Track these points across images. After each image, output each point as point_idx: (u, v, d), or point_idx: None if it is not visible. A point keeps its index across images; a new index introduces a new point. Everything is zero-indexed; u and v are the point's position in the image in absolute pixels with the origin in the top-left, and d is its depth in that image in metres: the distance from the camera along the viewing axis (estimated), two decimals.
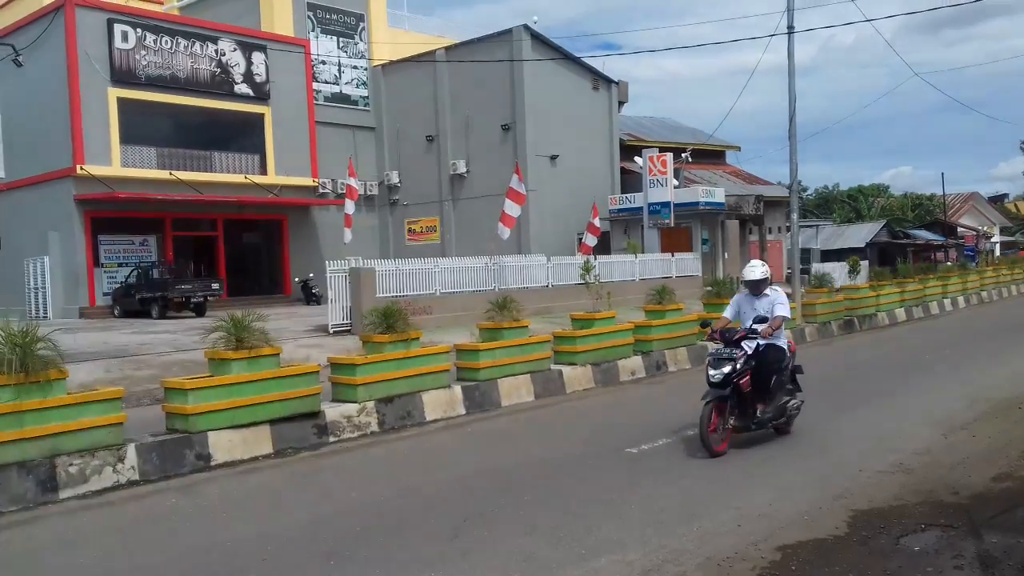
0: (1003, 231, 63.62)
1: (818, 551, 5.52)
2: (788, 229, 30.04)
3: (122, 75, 28.01)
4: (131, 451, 7.87)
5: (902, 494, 6.70)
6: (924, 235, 50.02)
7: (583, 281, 15.42)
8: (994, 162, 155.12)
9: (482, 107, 33.28)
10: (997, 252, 49.99)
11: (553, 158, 33.31)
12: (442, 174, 34.80)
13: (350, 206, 23.66)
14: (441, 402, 10.75)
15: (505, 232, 23.07)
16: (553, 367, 12.66)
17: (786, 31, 20.79)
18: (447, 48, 35.21)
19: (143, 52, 28.54)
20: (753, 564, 5.32)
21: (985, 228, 58.64)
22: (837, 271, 26.49)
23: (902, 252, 43.75)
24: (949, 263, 36.42)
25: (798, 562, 5.32)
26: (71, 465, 7.44)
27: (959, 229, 54.04)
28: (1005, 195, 79.25)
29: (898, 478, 7.18)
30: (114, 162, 27.76)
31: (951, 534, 5.76)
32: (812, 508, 6.41)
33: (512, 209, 22.83)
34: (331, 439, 9.41)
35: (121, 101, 28.01)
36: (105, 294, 27.62)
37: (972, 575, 5.05)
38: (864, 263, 27.08)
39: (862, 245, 43.47)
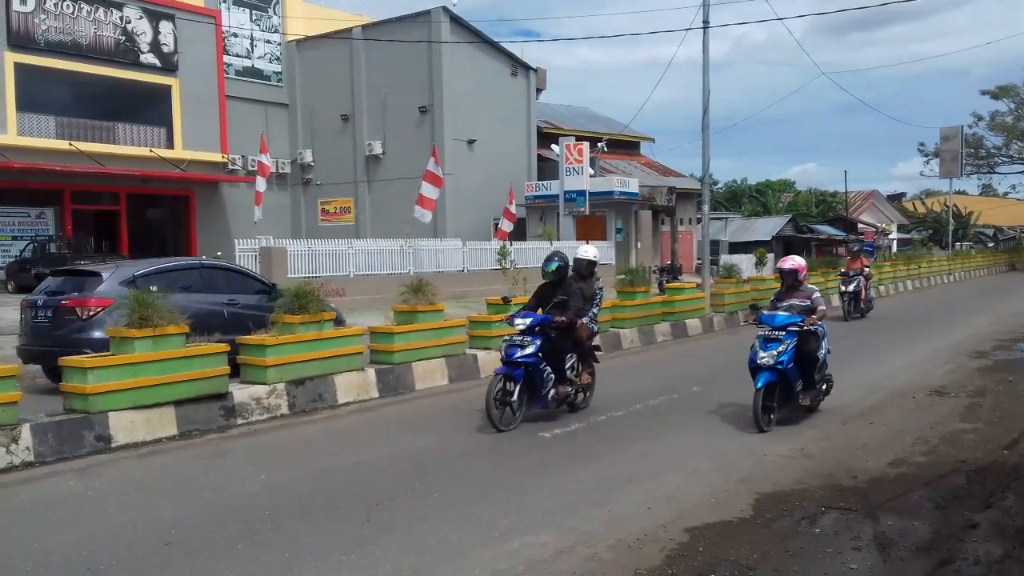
0: (900, 228, 66.36)
1: (724, 533, 5.66)
2: (699, 220, 30.70)
3: (20, 39, 26.66)
4: (26, 431, 7.52)
5: (804, 478, 6.92)
6: (827, 230, 51.78)
7: (499, 266, 15.44)
8: (894, 162, 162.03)
9: (399, 88, 32.91)
10: (894, 248, 52.07)
11: (471, 142, 33.21)
12: (357, 154, 34.31)
13: (261, 183, 23.12)
14: (354, 385, 10.61)
15: (427, 216, 22.90)
16: (468, 351, 12.64)
17: (701, 26, 21.16)
18: (364, 26, 34.66)
19: (43, 16, 27.21)
20: (662, 546, 5.42)
21: (884, 225, 61.08)
22: (745, 263, 27.21)
23: (806, 246, 45.15)
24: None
25: (705, 543, 5.44)
26: None
27: (859, 225, 56.15)
28: (903, 194, 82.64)
29: (800, 462, 7.42)
30: (9, 130, 26.43)
31: (850, 516, 5.98)
32: (719, 491, 6.57)
33: (430, 192, 22.68)
34: (239, 421, 9.20)
35: (18, 66, 26.67)
36: None
37: (870, 556, 5.25)
38: (770, 256, 27.85)
39: (768, 238, 44.74)
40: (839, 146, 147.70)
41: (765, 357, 8.58)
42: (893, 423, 8.96)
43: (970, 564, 5.12)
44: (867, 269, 21.29)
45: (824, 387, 9.41)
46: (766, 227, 48.02)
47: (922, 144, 56.07)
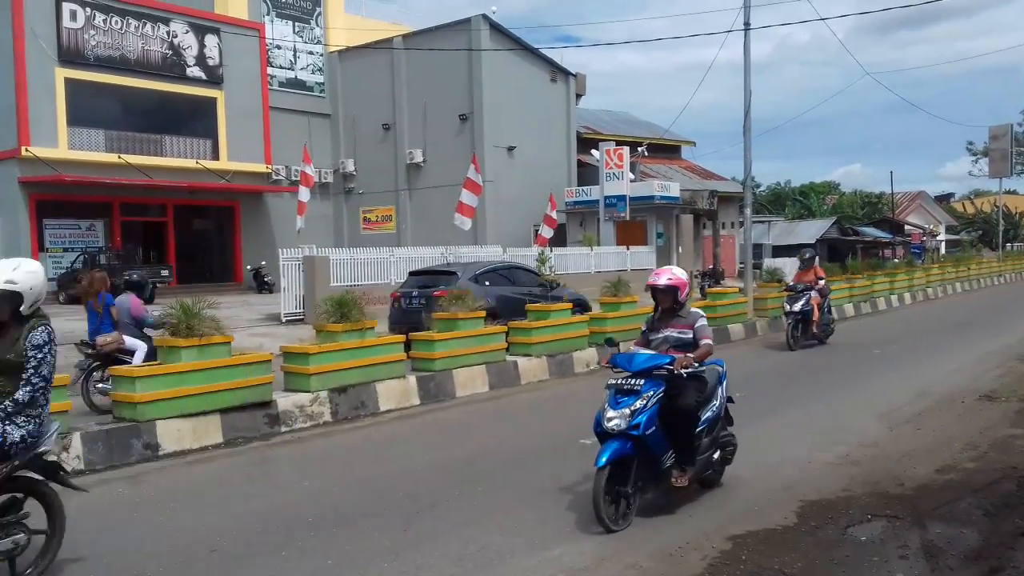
0: (948, 229, 65.13)
1: (767, 541, 5.60)
2: (741, 224, 30.43)
3: (70, 55, 27.33)
4: (76, 440, 7.69)
5: (850, 485, 6.82)
6: (873, 232, 50.99)
7: (539, 273, 15.44)
8: (941, 162, 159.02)
9: (440, 96, 33.11)
10: (943, 250, 51.14)
11: (510, 149, 33.28)
12: (398, 163, 34.57)
13: (304, 193, 23.38)
14: (395, 392, 10.68)
15: (466, 223, 23.00)
16: (508, 358, 12.66)
17: (742, 28, 20.99)
18: (405, 36, 34.95)
19: (92, 32, 27.87)
20: (704, 554, 5.38)
21: (931, 226, 60.00)
22: (788, 266, 26.85)
23: (851, 249, 44.55)
24: (896, 260, 37.17)
25: (748, 551, 5.39)
26: None
27: (906, 227, 55.21)
28: (951, 194, 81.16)
29: (846, 470, 7.31)
30: (61, 144, 27.09)
31: (897, 524, 5.88)
32: (762, 499, 6.50)
33: (470, 199, 22.79)
34: (283, 429, 9.31)
35: (69, 82, 27.34)
36: (50, 279, 26.92)
37: (917, 564, 5.16)
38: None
39: (812, 241, 44.11)
40: (885, 147, 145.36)
41: (615, 418, 5.93)
42: (941, 429, 8.79)
43: (1021, 573, 5.01)
44: (822, 282, 16.73)
45: (719, 455, 6.68)
46: (810, 230, 47.38)
47: (971, 143, 55.20)
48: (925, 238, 51.22)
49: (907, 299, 27.58)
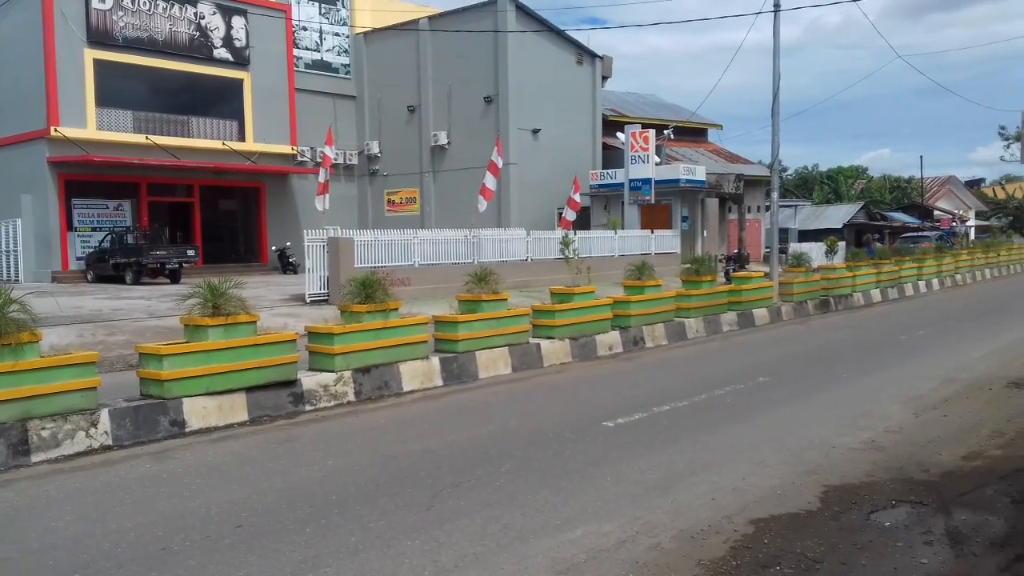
0: (978, 215, 64.25)
1: (790, 525, 5.57)
2: (767, 208, 30.18)
3: (99, 36, 27.54)
4: (104, 416, 7.80)
5: (874, 471, 6.78)
6: (901, 217, 50.43)
7: (562, 256, 15.40)
8: (972, 147, 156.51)
9: (465, 78, 33.04)
10: (972, 236, 50.44)
11: (535, 132, 33.19)
12: (423, 145, 34.59)
13: (323, 174, 23.50)
14: (419, 373, 10.73)
15: (483, 204, 23.01)
16: (531, 340, 12.66)
17: (772, 10, 20.74)
18: (430, 17, 34.88)
19: (120, 13, 28.04)
20: (726, 537, 5.37)
21: (961, 212, 59.20)
22: (815, 251, 26.61)
23: (879, 234, 44.09)
24: (924, 246, 36.75)
25: (771, 535, 5.37)
26: (43, 429, 7.36)
27: (935, 212, 54.53)
28: (982, 180, 80.00)
29: (870, 455, 7.26)
30: (89, 124, 27.35)
31: (921, 510, 5.83)
32: (785, 483, 6.47)
33: (492, 183, 22.80)
34: (307, 408, 9.38)
35: (97, 63, 27.56)
36: (78, 259, 27.31)
37: (941, 551, 5.12)
38: (841, 244, 27.22)
39: (840, 226, 43.75)
40: (914, 131, 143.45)
41: None
42: (968, 415, 8.70)
43: None
44: None
45: None
46: (837, 214, 46.95)
47: (1002, 128, 54.14)
48: (955, 223, 50.56)
49: (935, 285, 27.30)
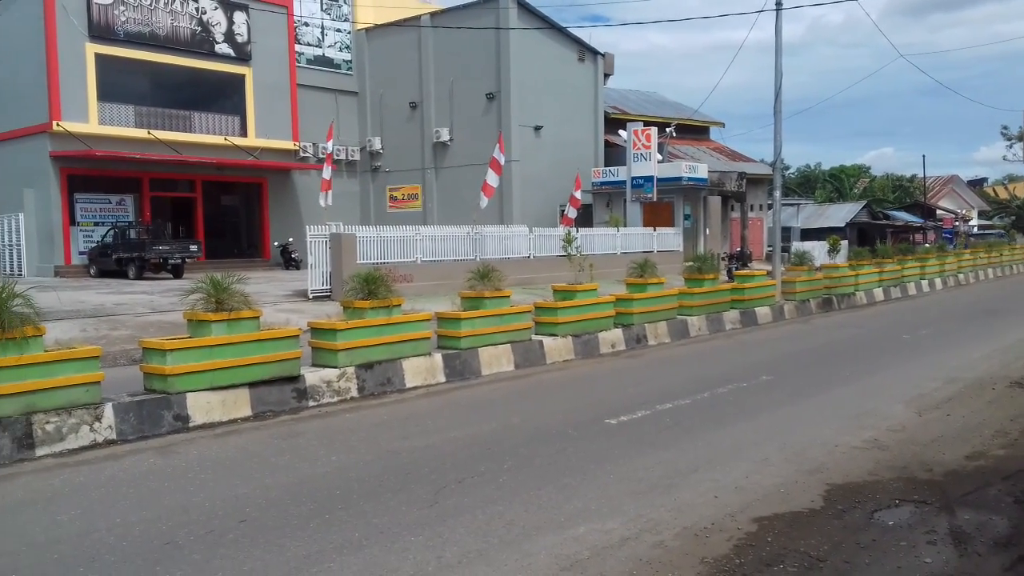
0: (981, 215, 64.21)
1: (793, 523, 5.58)
2: (770, 207, 30.17)
3: (100, 30, 27.53)
4: (108, 410, 7.81)
5: (877, 470, 6.78)
6: (904, 216, 50.39)
7: (565, 253, 15.41)
8: (975, 146, 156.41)
9: (467, 75, 33.02)
10: (968, 234, 50.41)
11: (537, 129, 33.17)
12: (425, 142, 34.57)
13: (327, 171, 23.50)
14: (421, 369, 10.74)
15: (485, 201, 23.00)
16: (534, 337, 12.67)
17: (774, 8, 20.71)
18: (432, 13, 34.85)
19: (122, 8, 28.03)
20: (729, 535, 5.37)
21: (964, 211, 59.16)
22: (817, 250, 26.62)
23: (881, 233, 44.07)
24: (927, 245, 36.72)
25: (774, 533, 5.38)
26: (48, 423, 7.38)
27: (938, 211, 54.49)
28: (984, 179, 79.96)
29: (873, 454, 7.26)
30: (91, 119, 27.35)
31: (924, 510, 5.84)
32: (788, 482, 6.48)
33: (493, 179, 22.78)
34: (310, 403, 9.39)
35: (99, 57, 27.56)
36: (81, 253, 27.34)
37: (945, 550, 5.12)
38: (844, 243, 27.21)
39: (842, 225, 43.73)
40: (917, 130, 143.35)
41: None
42: (971, 415, 8.70)
43: None
44: None
45: None
46: (840, 213, 46.92)
47: (1005, 127, 54.21)
48: (957, 223, 50.54)
49: (938, 284, 27.29)
